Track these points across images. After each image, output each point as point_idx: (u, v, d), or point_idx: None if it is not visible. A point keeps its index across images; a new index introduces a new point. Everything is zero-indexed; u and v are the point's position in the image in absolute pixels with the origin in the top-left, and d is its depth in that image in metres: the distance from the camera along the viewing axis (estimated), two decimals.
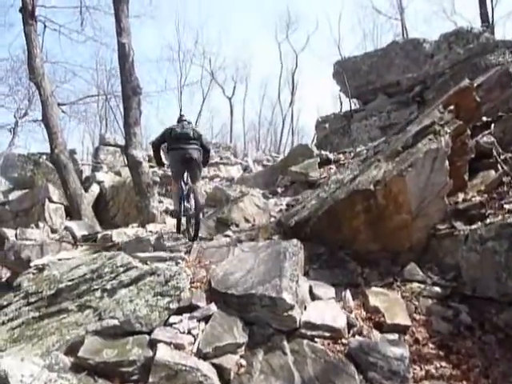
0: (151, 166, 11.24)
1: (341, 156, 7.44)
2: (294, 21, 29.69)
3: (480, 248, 2.74)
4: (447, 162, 3.47)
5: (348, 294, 2.88)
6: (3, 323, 3.90)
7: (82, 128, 25.88)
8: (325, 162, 7.09)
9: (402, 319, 2.65)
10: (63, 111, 10.19)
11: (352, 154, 7.26)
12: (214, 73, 28.59)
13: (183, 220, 4.82)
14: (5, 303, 4.34)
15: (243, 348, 2.48)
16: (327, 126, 11.38)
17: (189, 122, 4.89)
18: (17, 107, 18.17)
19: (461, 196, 3.84)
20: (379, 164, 3.70)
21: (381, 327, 2.60)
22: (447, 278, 3.10)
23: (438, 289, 3.00)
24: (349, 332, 2.54)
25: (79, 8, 9.70)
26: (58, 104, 9.21)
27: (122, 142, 10.48)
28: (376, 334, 2.52)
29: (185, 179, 4.71)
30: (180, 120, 4.90)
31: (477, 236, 2.80)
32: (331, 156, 7.35)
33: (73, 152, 12.68)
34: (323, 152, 7.53)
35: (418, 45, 11.31)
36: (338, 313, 2.64)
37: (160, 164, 5.15)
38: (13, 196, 10.82)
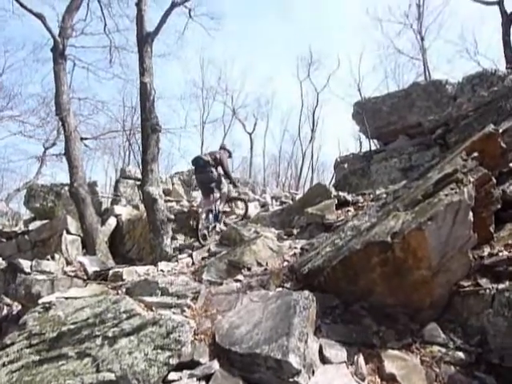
0: (168, 200, 11.33)
1: (359, 198, 7.25)
2: (315, 60, 30.34)
3: (509, 313, 2.51)
4: (471, 214, 3.27)
5: (361, 358, 2.66)
6: (3, 365, 3.79)
7: (107, 159, 26.65)
8: (343, 204, 6.91)
9: None
10: (86, 145, 10.47)
11: (371, 197, 7.07)
12: (235, 109, 29.27)
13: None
14: (8, 342, 4.25)
15: None
16: (346, 166, 11.27)
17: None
18: (46, 138, 18.90)
19: (486, 250, 3.60)
20: (397, 213, 3.53)
21: None
22: (472, 343, 2.83)
23: (461, 354, 2.74)
24: None
25: (108, 47, 10.16)
26: (82, 138, 9.47)
27: (141, 175, 10.66)
28: None
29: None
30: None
31: (504, 299, 2.57)
32: (349, 198, 7.17)
33: (94, 184, 12.94)
34: (341, 193, 7.37)
35: (441, 86, 11.25)
36: (348, 380, 2.42)
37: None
38: (33, 226, 11.00)
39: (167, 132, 11.00)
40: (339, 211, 6.57)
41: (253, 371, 2.50)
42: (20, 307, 6.42)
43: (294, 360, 2.35)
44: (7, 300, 6.94)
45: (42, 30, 8.84)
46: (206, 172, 6.89)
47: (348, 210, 6.52)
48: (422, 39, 22.53)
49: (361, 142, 24.38)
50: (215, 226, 7.10)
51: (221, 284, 4.32)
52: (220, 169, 7.21)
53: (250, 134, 29.44)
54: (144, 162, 6.88)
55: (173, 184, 14.22)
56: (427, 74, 20.76)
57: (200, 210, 8.97)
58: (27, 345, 3.96)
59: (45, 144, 19.43)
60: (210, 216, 7.07)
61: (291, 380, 2.32)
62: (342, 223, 5.53)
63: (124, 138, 22.68)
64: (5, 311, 6.77)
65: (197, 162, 6.92)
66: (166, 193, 12.07)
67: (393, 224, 3.35)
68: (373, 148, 12.44)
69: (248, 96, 45.13)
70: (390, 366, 2.61)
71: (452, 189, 3.41)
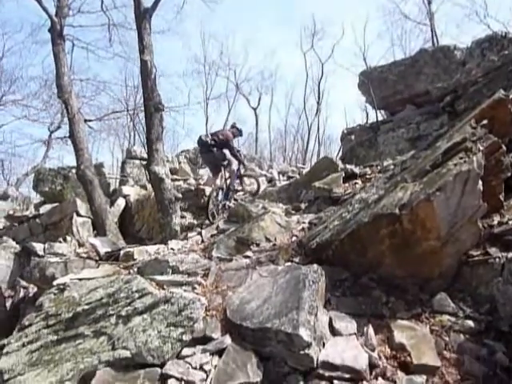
0: (175, 179, 11.36)
1: (367, 170, 7.20)
2: (319, 30, 29.46)
3: None
4: (480, 184, 3.23)
5: (371, 329, 2.69)
6: (23, 345, 3.92)
7: (112, 140, 26.65)
8: (350, 177, 6.87)
9: (431, 358, 2.44)
10: (90, 127, 10.44)
11: (378, 168, 7.01)
12: (239, 84, 28.84)
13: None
14: (26, 323, 4.38)
15: None
16: (353, 138, 11.13)
17: None
18: (50, 121, 18.90)
19: (496, 218, 3.58)
20: (406, 185, 3.50)
21: (407, 368, 2.40)
22: (481, 311, 2.86)
23: (470, 323, 2.77)
24: (371, 373, 2.36)
25: (107, 25, 9.97)
26: (85, 120, 9.44)
27: (147, 155, 10.67)
28: (401, 376, 2.33)
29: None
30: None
31: None
32: (357, 170, 7.12)
33: (101, 165, 12.99)
34: (348, 166, 7.32)
35: (449, 52, 10.93)
36: (359, 351, 2.46)
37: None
38: (43, 209, 11.12)
39: (171, 110, 10.94)
40: (346, 184, 6.53)
41: (264, 345, 2.55)
42: (36, 289, 6.59)
43: (304, 333, 2.39)
44: (23, 282, 7.12)
45: (39, 10, 8.68)
46: (209, 152, 6.96)
47: (355, 183, 6.48)
48: (430, 3, 21.69)
49: (367, 113, 23.96)
50: (225, 205, 7.10)
51: (230, 260, 4.37)
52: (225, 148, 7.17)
53: (255, 109, 29.09)
54: (149, 141, 6.86)
55: (179, 163, 14.20)
56: (435, 39, 20.11)
57: (208, 187, 9.02)
58: (44, 325, 4.08)
59: (50, 127, 19.48)
60: (220, 194, 7.07)
61: (302, 353, 2.36)
62: (349, 196, 5.52)
63: (128, 118, 22.61)
64: (21, 293, 6.95)
65: (200, 142, 7.01)
66: (173, 172, 12.08)
67: (401, 195, 3.32)
68: (380, 118, 12.21)
69: (251, 70, 44.55)
70: (399, 336, 2.64)
71: (461, 158, 3.35)
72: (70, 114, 8.15)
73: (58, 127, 19.09)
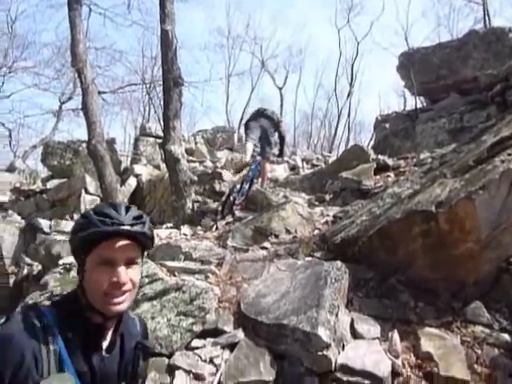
0: (191, 161, 11.44)
1: (401, 162, 7.09)
2: (356, 4, 28.89)
3: None
4: None
5: (396, 334, 2.69)
6: None
7: (125, 114, 26.95)
8: (382, 168, 6.78)
9: (460, 371, 2.43)
10: (104, 99, 10.57)
11: (414, 161, 6.89)
12: (264, 61, 28.60)
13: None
14: (30, 302, 4.54)
15: None
16: (387, 126, 10.95)
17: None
18: (62, 91, 19.22)
19: None
20: (445, 180, 3.44)
21: (432, 379, 2.40)
22: None
23: (506, 336, 2.74)
24: (393, 382, 2.37)
25: None
26: (99, 92, 9.56)
27: (162, 133, 10.74)
28: None
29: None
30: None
31: None
32: (390, 162, 7.02)
33: (113, 141, 13.16)
34: (381, 156, 7.22)
35: (503, 35, 10.57)
36: (381, 357, 2.47)
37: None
38: (51, 184, 11.41)
39: (190, 86, 10.92)
40: (378, 176, 6.46)
41: (279, 342, 2.58)
42: (40, 267, 6.80)
43: (323, 333, 2.41)
44: (27, 260, 7.35)
45: None
46: (266, 128, 6.80)
47: (388, 176, 6.40)
48: None
49: (405, 99, 23.47)
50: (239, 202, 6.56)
51: (246, 251, 4.40)
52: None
53: (280, 89, 28.84)
54: (165, 118, 6.88)
55: (196, 143, 14.28)
56: (487, 20, 19.41)
57: (225, 171, 9.01)
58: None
59: (61, 98, 19.80)
60: (241, 186, 6.53)
61: (320, 354, 2.38)
62: (380, 190, 5.46)
63: (144, 92, 22.77)
64: (25, 271, 7.17)
65: (264, 111, 6.92)
66: (189, 152, 12.15)
67: (438, 192, 3.27)
68: (419, 106, 11.93)
69: (279, 45, 44.07)
70: (426, 345, 2.64)
71: (509, 154, 3.27)
72: (83, 85, 8.23)
73: (70, 98, 19.41)
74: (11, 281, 7.30)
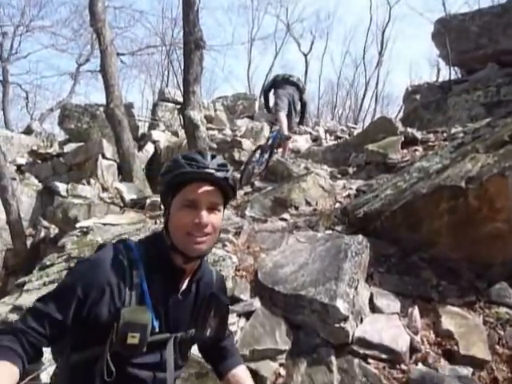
0: (210, 128, 11.43)
1: (430, 136, 6.93)
2: None
3: None
4: None
5: (416, 311, 2.71)
6: (44, 284, 4.25)
7: (143, 79, 26.89)
8: (410, 142, 6.65)
9: (480, 351, 2.44)
10: (122, 61, 10.55)
11: (445, 135, 6.74)
12: (290, 25, 27.90)
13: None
14: (48, 263, 4.72)
15: (284, 356, 2.45)
16: (418, 97, 10.66)
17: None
18: (79, 53, 19.24)
19: None
20: (477, 155, 3.37)
21: (451, 357, 2.42)
22: None
23: None
24: (411, 357, 2.40)
25: None
26: (118, 54, 9.53)
27: (181, 98, 10.72)
28: (444, 365, 2.35)
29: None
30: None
31: None
32: (418, 135, 6.87)
33: (130, 106, 13.22)
34: (409, 129, 7.06)
35: None
36: (400, 332, 2.50)
37: (268, 109, 7.11)
38: (68, 148, 11.58)
39: (211, 49, 10.80)
40: (405, 150, 6.35)
41: (296, 313, 2.63)
42: (57, 230, 7.00)
43: (341, 305, 2.44)
44: (44, 222, 7.57)
45: None
46: (293, 96, 6.75)
47: (415, 150, 6.28)
48: None
49: (439, 70, 22.62)
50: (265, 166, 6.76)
51: (265, 221, 4.44)
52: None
53: (306, 55, 28.13)
54: (185, 82, 6.86)
55: (215, 110, 14.19)
56: None
57: (245, 140, 8.97)
58: (66, 267, 4.38)
59: (78, 60, 19.82)
60: (260, 155, 6.60)
61: (337, 325, 2.43)
62: (406, 164, 5.38)
63: (163, 55, 22.59)
64: (42, 233, 7.40)
65: (289, 78, 6.85)
66: (208, 119, 12.11)
67: (469, 167, 3.22)
68: (453, 77, 11.55)
69: (305, 8, 42.91)
70: (447, 323, 2.65)
71: None
72: (102, 46, 8.23)
73: (87, 60, 19.43)
74: (28, 242, 7.54)
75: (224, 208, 1.24)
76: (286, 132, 6.48)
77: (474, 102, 8.97)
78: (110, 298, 1.10)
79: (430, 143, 6.54)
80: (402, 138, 6.56)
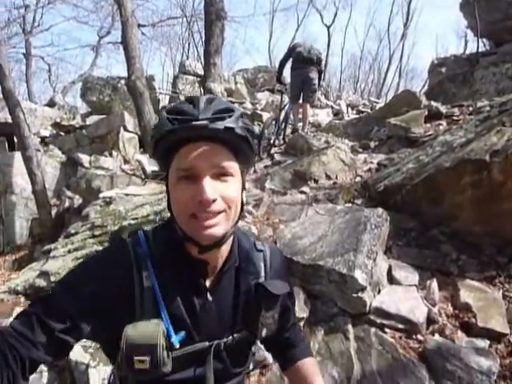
0: (231, 101, 11.35)
1: (455, 110, 6.75)
2: None
3: None
4: None
5: (434, 283, 2.71)
6: (69, 251, 4.39)
7: (164, 52, 26.75)
8: (433, 116, 6.49)
9: (499, 324, 2.43)
10: (143, 33, 10.49)
11: (470, 109, 6.55)
12: None
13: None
14: (73, 231, 4.86)
15: (302, 323, 2.49)
16: (444, 70, 10.33)
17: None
18: (100, 25, 19.20)
19: None
20: (503, 129, 3.28)
21: (469, 330, 2.42)
22: None
23: None
24: (427, 328, 2.41)
25: None
26: (139, 25, 9.47)
27: (202, 71, 10.65)
28: (461, 337, 2.36)
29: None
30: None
31: None
32: (443, 109, 6.69)
33: (151, 78, 13.19)
34: (433, 103, 6.88)
35: None
36: (417, 303, 2.51)
37: (279, 81, 6.96)
38: (90, 120, 11.70)
39: (233, 21, 10.63)
40: (428, 124, 6.21)
41: (314, 283, 2.66)
42: (81, 200, 7.17)
43: (359, 276, 2.45)
44: (68, 193, 7.76)
45: None
46: (310, 77, 6.55)
47: (439, 124, 6.14)
48: None
49: (466, 42, 21.95)
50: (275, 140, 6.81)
51: (284, 194, 4.46)
52: None
53: (328, 27, 27.47)
54: (206, 53, 6.82)
55: (235, 83, 14.04)
56: None
57: (266, 114, 8.90)
58: (90, 235, 4.51)
59: (99, 32, 19.80)
60: (275, 127, 6.71)
61: (354, 295, 2.45)
62: (430, 138, 5.28)
63: (183, 27, 22.37)
64: (66, 203, 7.59)
65: (308, 54, 6.55)
66: (228, 92, 12.01)
67: (495, 140, 3.14)
68: (481, 49, 11.13)
69: None
70: (466, 296, 2.64)
71: None
72: (123, 17, 8.19)
73: (108, 33, 19.38)
74: (53, 212, 7.75)
75: (243, 172, 0.92)
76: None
77: (502, 75, 8.64)
78: (113, 312, 0.85)
79: (455, 117, 6.37)
80: (426, 112, 6.42)
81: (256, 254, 1.06)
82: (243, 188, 0.93)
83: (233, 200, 0.86)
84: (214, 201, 0.81)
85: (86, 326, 0.83)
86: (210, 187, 0.81)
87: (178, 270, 0.92)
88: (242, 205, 0.92)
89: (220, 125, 0.82)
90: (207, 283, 0.95)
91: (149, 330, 0.84)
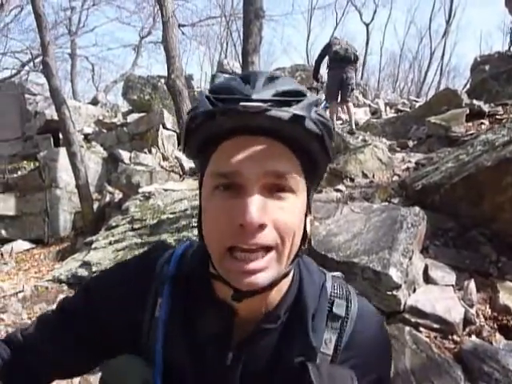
0: None
1: (499, 109, 6.52)
2: None
3: None
4: None
5: (472, 284, 2.65)
6: (110, 243, 4.56)
7: (202, 52, 27.15)
8: (476, 115, 6.30)
9: None
10: (183, 33, 10.68)
11: None
12: None
13: None
14: (113, 224, 5.04)
15: None
16: (487, 68, 9.97)
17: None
18: (141, 26, 19.70)
19: None
20: None
21: (507, 332, 2.36)
22: None
23: None
24: (464, 329, 2.37)
25: None
26: (179, 25, 9.65)
27: (240, 70, 10.75)
28: (499, 339, 2.30)
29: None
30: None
31: None
32: (485, 108, 6.48)
33: (190, 78, 13.44)
34: (476, 102, 6.67)
35: None
36: (454, 304, 2.46)
37: (315, 78, 7.23)
38: (131, 118, 12.05)
39: (271, 19, 10.65)
40: (470, 123, 6.04)
41: (348, 280, 2.60)
42: (121, 195, 7.42)
43: (394, 274, 2.44)
44: (109, 188, 8.03)
45: None
46: (347, 76, 6.54)
47: (481, 123, 5.96)
48: None
49: (511, 39, 21.03)
50: None
51: (319, 192, 4.45)
52: None
53: (367, 25, 27.03)
54: (244, 52, 6.84)
55: None
56: None
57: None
58: (130, 228, 4.67)
59: (140, 33, 20.32)
60: None
61: (389, 293, 2.43)
62: (471, 137, 5.13)
63: (222, 27, 22.63)
64: (107, 198, 7.87)
65: (345, 53, 6.49)
66: None
67: None
68: None
69: None
70: (505, 298, 2.57)
71: None
72: (164, 17, 8.34)
73: (149, 33, 19.86)
74: (95, 206, 8.05)
75: (310, 189, 0.63)
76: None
77: None
78: (118, 330, 0.69)
79: (498, 116, 6.16)
80: (467, 111, 6.24)
81: (324, 310, 0.68)
82: (308, 212, 0.63)
83: (290, 230, 0.57)
84: (261, 226, 0.54)
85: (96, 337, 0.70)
86: (259, 206, 0.54)
87: (199, 311, 0.67)
88: (305, 236, 0.63)
89: (283, 111, 0.54)
90: (233, 338, 0.66)
91: (128, 374, 0.65)
